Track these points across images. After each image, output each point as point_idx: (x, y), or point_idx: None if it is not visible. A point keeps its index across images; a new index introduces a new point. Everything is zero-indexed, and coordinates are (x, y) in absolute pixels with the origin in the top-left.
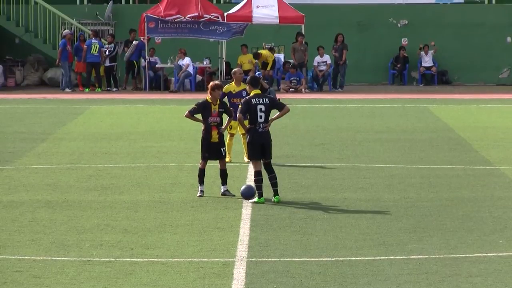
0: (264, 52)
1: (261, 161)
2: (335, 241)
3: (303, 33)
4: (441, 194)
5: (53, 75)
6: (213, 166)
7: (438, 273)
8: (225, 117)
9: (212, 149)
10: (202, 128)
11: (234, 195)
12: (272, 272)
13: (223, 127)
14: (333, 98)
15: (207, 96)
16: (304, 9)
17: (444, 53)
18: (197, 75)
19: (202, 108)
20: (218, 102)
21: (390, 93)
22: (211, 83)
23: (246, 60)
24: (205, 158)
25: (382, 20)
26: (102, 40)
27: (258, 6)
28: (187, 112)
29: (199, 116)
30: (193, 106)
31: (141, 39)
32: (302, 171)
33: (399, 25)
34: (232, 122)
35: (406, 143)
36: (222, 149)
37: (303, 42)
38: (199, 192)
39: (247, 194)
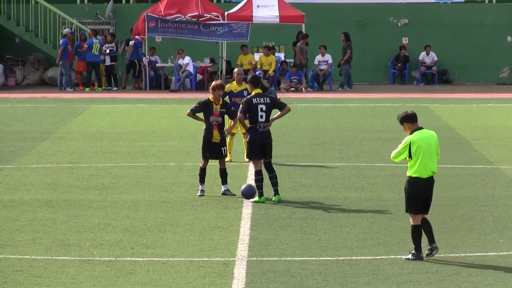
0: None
1: (262, 161)
2: (335, 241)
3: (304, 32)
4: (441, 194)
5: (54, 74)
6: (213, 165)
7: (438, 272)
8: (227, 117)
9: (213, 148)
10: (204, 127)
11: (234, 195)
12: (272, 271)
13: (228, 130)
14: (334, 98)
15: (209, 96)
16: (305, 9)
17: (445, 53)
18: (197, 74)
19: (204, 107)
20: (221, 102)
21: (391, 93)
22: (212, 83)
23: (246, 61)
24: (206, 157)
25: (383, 20)
26: (99, 36)
27: (258, 6)
28: (189, 110)
29: (200, 115)
30: (195, 105)
31: (137, 37)
32: (302, 171)
33: (399, 24)
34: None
35: None
36: (222, 148)
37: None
38: (199, 192)
39: (248, 193)
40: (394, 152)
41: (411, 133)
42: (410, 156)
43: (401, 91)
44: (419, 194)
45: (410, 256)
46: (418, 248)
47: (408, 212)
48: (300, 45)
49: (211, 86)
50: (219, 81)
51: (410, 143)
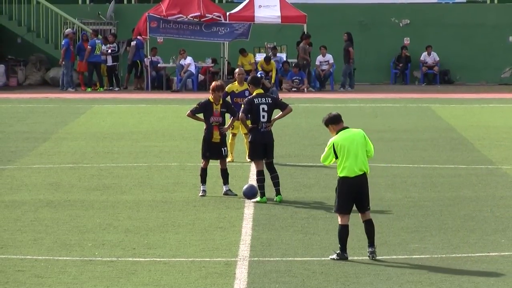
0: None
1: (263, 161)
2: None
3: (305, 32)
4: (443, 194)
5: (55, 74)
6: (215, 165)
7: (440, 272)
8: (227, 117)
9: (213, 149)
10: (204, 127)
11: (236, 195)
12: (274, 272)
13: (226, 127)
14: (335, 98)
15: (209, 96)
16: (306, 9)
17: (446, 53)
18: (199, 75)
19: (204, 108)
20: (221, 102)
21: (392, 93)
22: (212, 84)
23: (246, 62)
24: (206, 157)
25: (384, 20)
26: (100, 36)
27: (260, 6)
28: (189, 111)
29: (201, 115)
30: (195, 105)
31: (138, 37)
32: (304, 171)
33: (401, 24)
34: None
35: (408, 143)
36: (223, 149)
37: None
38: (201, 192)
39: (249, 193)
40: (322, 156)
41: (336, 134)
42: (336, 157)
43: (403, 91)
44: (349, 193)
45: (334, 256)
46: (343, 248)
47: (336, 212)
48: (303, 45)
49: (211, 87)
50: (219, 82)
51: (333, 144)
